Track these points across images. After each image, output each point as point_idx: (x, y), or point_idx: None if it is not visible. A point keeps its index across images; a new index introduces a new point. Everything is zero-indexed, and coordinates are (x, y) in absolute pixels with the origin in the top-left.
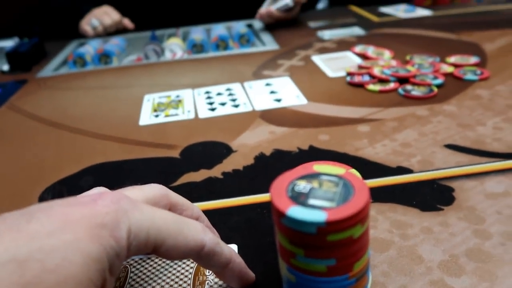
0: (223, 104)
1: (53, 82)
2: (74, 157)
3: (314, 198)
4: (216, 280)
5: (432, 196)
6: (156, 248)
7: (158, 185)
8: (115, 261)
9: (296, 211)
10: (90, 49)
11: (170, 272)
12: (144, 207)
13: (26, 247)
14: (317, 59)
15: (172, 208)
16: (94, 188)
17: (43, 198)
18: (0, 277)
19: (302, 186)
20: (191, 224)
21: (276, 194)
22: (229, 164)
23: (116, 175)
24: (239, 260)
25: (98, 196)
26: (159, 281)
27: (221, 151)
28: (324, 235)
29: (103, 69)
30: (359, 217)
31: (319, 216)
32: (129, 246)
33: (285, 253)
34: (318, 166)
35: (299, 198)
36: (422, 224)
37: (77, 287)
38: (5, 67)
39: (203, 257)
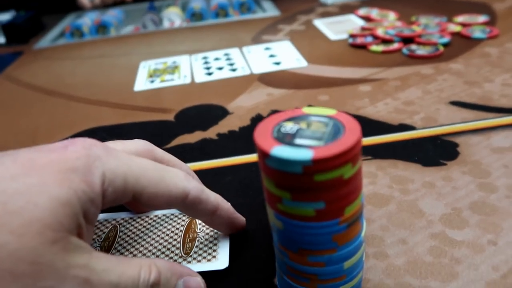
0: (220, 68)
1: (49, 53)
2: (67, 123)
3: (301, 137)
4: (207, 237)
5: (435, 151)
6: (136, 196)
7: (142, 140)
8: (89, 207)
9: (280, 150)
10: (87, 20)
11: (160, 230)
12: (120, 154)
13: None
14: (319, 23)
15: None
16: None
17: None
18: None
19: (289, 127)
20: (172, 172)
21: (260, 135)
22: (225, 126)
23: (109, 138)
24: (226, 206)
25: (69, 143)
26: (149, 239)
27: (216, 113)
28: (311, 175)
29: (101, 39)
30: (349, 156)
31: (305, 154)
32: (104, 192)
33: (271, 198)
34: (308, 108)
35: (285, 139)
36: (424, 179)
37: (45, 230)
38: (1, 39)
39: (188, 205)
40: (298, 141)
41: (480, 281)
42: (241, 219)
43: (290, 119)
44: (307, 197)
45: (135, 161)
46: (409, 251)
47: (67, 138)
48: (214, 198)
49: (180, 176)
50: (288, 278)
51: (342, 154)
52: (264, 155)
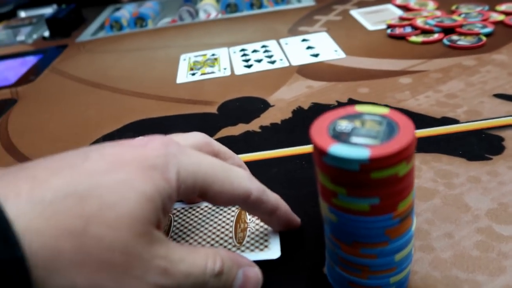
0: (259, 61)
1: (92, 46)
2: (115, 115)
3: (356, 136)
4: (257, 227)
5: (480, 145)
6: (203, 193)
7: (200, 133)
8: (167, 202)
9: (338, 149)
10: (125, 13)
11: (211, 220)
12: (191, 152)
13: (86, 183)
14: (356, 13)
15: (215, 156)
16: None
17: None
18: (60, 209)
19: (344, 125)
20: (237, 172)
21: (317, 133)
22: (267, 118)
23: (156, 131)
24: (285, 207)
25: (148, 140)
26: (202, 229)
27: (258, 105)
28: (367, 172)
29: (139, 31)
30: (405, 154)
31: (362, 153)
32: (178, 189)
33: (326, 192)
34: (360, 107)
35: (341, 137)
36: (469, 173)
37: (135, 224)
38: (46, 33)
39: (249, 204)
40: (354, 139)
41: None
42: (297, 219)
43: (344, 117)
44: (363, 193)
45: (205, 159)
46: (455, 245)
47: (117, 130)
48: (274, 199)
49: (244, 177)
50: (340, 269)
51: (398, 153)
52: (322, 152)
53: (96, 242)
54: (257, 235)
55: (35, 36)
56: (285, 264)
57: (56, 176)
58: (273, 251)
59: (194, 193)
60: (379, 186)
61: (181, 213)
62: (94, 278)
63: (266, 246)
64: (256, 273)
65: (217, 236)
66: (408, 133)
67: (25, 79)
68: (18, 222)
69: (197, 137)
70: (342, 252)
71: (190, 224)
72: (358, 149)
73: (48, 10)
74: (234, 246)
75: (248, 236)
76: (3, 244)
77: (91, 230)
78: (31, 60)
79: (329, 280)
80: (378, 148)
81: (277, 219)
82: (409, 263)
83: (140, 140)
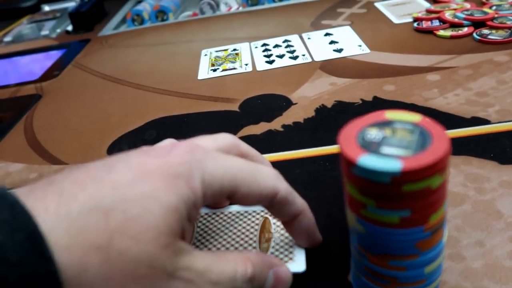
0: (281, 56)
1: (114, 40)
2: (138, 112)
3: (387, 146)
4: (282, 238)
5: None
6: (230, 195)
7: (229, 134)
8: (192, 210)
9: (368, 160)
10: (147, 6)
11: (235, 228)
12: (217, 156)
13: (110, 197)
14: (380, 5)
15: (242, 158)
16: (166, 140)
17: (112, 150)
18: (87, 224)
19: (374, 134)
20: (265, 171)
21: (345, 142)
22: (289, 117)
23: (178, 128)
24: (310, 216)
25: (172, 147)
26: (226, 236)
27: (280, 103)
28: (399, 185)
29: (161, 25)
30: (439, 166)
31: (393, 165)
32: (204, 195)
33: (354, 203)
34: (391, 113)
35: (370, 147)
36: (501, 177)
37: (159, 236)
38: (69, 27)
39: (275, 204)
40: (385, 149)
41: None
42: (319, 235)
43: (374, 125)
44: (393, 205)
45: (231, 162)
46: (487, 254)
47: (142, 127)
48: (300, 203)
49: (272, 176)
50: (366, 279)
51: (432, 165)
52: (351, 163)
53: (121, 256)
54: (281, 246)
55: (58, 30)
56: (309, 270)
57: (82, 190)
58: (298, 264)
59: (221, 197)
60: (410, 198)
61: (204, 218)
62: None
63: (290, 258)
64: (286, 272)
65: (241, 245)
66: (442, 143)
67: (49, 74)
68: (48, 238)
69: (225, 138)
70: (369, 262)
71: (214, 231)
72: (389, 161)
73: (71, 4)
74: None
75: (273, 247)
76: (39, 258)
77: (115, 244)
78: (55, 55)
79: None
80: (410, 160)
81: (299, 225)
82: (439, 275)
83: (164, 147)
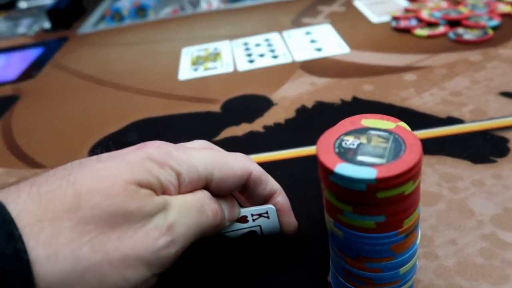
0: (262, 55)
1: (93, 39)
2: (119, 114)
3: (363, 154)
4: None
5: (485, 147)
6: (207, 183)
7: (202, 140)
8: (168, 185)
9: (344, 168)
10: (126, 3)
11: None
12: (188, 148)
13: (78, 173)
14: (360, 4)
15: None
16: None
17: (93, 153)
18: (56, 194)
19: (350, 141)
20: (236, 155)
21: (323, 150)
22: (270, 118)
23: (159, 130)
24: (285, 196)
25: (143, 144)
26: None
27: (261, 104)
28: (374, 192)
29: (141, 23)
30: (411, 174)
31: (369, 173)
32: (181, 184)
33: (332, 209)
34: (366, 121)
35: (347, 155)
36: (474, 177)
37: (127, 187)
38: (47, 25)
39: (250, 184)
40: (360, 158)
41: None
42: (294, 220)
43: (350, 133)
44: (369, 211)
45: (201, 152)
46: (459, 252)
47: (123, 129)
48: (274, 182)
49: (243, 158)
50: (344, 280)
51: (405, 173)
52: (328, 171)
53: (93, 211)
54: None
55: (36, 28)
56: (290, 271)
57: (53, 176)
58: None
59: (200, 185)
60: (385, 204)
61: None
62: (100, 241)
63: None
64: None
65: None
66: (415, 151)
67: (26, 74)
68: (20, 216)
69: (198, 144)
70: (346, 264)
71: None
72: (365, 169)
73: (48, 1)
74: None
75: None
76: (7, 239)
77: (85, 203)
78: (32, 53)
79: None
80: (385, 168)
81: (275, 204)
82: (413, 274)
83: (136, 145)
